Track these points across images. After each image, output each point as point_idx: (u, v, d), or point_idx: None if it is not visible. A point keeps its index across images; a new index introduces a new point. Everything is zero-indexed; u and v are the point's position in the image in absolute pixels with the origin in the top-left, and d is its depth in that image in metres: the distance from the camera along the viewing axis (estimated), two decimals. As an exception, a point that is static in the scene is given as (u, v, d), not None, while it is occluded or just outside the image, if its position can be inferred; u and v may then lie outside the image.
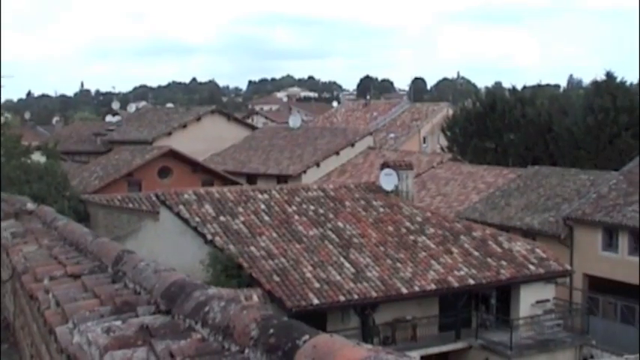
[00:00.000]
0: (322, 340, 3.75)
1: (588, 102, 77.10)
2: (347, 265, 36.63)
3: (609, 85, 78.24)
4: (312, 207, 41.03)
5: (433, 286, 36.88)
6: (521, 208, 54.73)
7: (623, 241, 48.66)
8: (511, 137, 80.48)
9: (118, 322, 5.37)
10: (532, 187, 57.45)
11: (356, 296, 34.99)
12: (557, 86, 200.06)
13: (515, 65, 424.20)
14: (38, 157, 56.85)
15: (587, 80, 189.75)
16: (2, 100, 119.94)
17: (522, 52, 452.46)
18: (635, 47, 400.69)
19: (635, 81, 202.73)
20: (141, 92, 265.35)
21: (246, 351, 4.30)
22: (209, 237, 36.99)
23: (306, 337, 3.91)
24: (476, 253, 39.62)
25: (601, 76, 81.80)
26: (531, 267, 39.87)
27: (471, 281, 37.76)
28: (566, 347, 39.78)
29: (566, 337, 40.60)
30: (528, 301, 40.21)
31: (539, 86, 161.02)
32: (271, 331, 4.14)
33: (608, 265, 48.92)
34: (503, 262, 39.47)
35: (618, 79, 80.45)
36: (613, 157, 70.99)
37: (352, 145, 75.99)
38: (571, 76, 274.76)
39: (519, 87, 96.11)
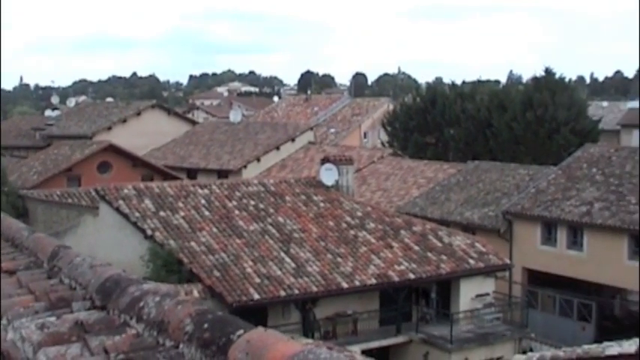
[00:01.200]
0: (256, 335, 3.75)
1: (528, 97, 77.66)
2: (287, 260, 36.60)
3: (548, 81, 78.93)
4: (252, 202, 40.94)
5: (374, 281, 36.95)
6: (461, 203, 55.07)
7: (562, 235, 49.18)
8: (451, 132, 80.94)
9: (53, 319, 5.32)
10: (472, 181, 57.83)
11: (297, 291, 34.96)
12: (498, 82, 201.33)
13: (456, 61, 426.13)
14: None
15: (526, 76, 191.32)
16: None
17: (463, 48, 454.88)
18: (573, 44, 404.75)
19: (574, 77, 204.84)
20: (81, 86, 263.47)
21: (181, 346, 4.27)
22: (149, 232, 36.77)
23: (241, 331, 3.89)
24: (416, 248, 39.76)
25: (540, 72, 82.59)
26: (471, 261, 40.10)
27: (412, 275, 37.89)
28: (505, 340, 40.07)
29: (505, 330, 40.88)
30: (468, 295, 40.45)
31: (479, 82, 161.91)
32: (206, 326, 4.12)
33: (547, 259, 49.42)
34: (444, 257, 39.66)
35: (557, 75, 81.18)
36: (552, 152, 71.71)
37: (293, 140, 76.03)
38: (511, 72, 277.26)
39: (459, 82, 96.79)
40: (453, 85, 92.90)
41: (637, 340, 10.89)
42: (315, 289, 35.45)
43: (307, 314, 36.48)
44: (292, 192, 42.74)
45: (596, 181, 50.79)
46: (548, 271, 49.60)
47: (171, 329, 4.42)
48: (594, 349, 10.94)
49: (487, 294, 41.20)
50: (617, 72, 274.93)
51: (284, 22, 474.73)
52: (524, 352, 37.68)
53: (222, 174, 69.26)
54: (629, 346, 10.05)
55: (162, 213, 38.27)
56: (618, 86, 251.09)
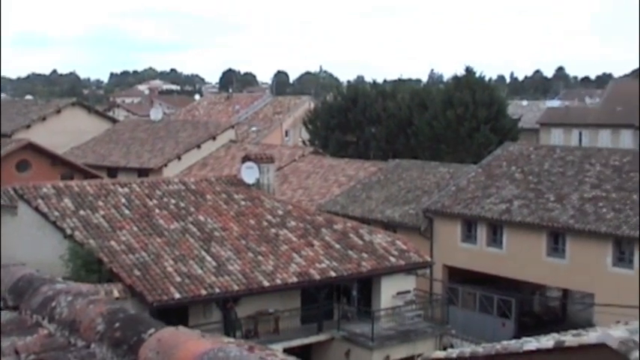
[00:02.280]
0: (167, 334, 3.69)
1: (448, 96, 78.35)
2: (208, 258, 36.42)
3: (469, 80, 79.73)
4: (173, 200, 40.69)
5: (295, 279, 36.94)
6: (382, 201, 55.32)
7: (482, 233, 49.67)
8: (372, 131, 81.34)
9: (-36, 320, 5.20)
10: (393, 180, 58.12)
11: (218, 290, 34.80)
12: (419, 81, 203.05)
13: (378, 60, 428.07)
14: None
15: (447, 75, 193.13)
16: None
17: (385, 47, 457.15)
18: (493, 45, 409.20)
19: (494, 76, 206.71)
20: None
21: (92, 346, 4.20)
22: (68, 231, 36.33)
23: (152, 330, 3.84)
24: (337, 246, 39.83)
25: (461, 72, 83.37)
26: (392, 259, 40.28)
27: (333, 274, 37.94)
28: (426, 337, 40.31)
29: (426, 327, 41.12)
30: (389, 292, 40.61)
31: (400, 81, 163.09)
32: (117, 325, 4.06)
33: (467, 256, 49.88)
34: (365, 255, 39.77)
35: (477, 75, 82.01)
36: (472, 151, 72.45)
37: (214, 138, 75.75)
38: (432, 71, 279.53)
39: (381, 81, 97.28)
40: (374, 83, 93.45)
41: (555, 335, 11.03)
42: (236, 287, 35.33)
43: (229, 313, 36.34)
44: (213, 190, 42.55)
45: (515, 179, 51.37)
46: (468, 268, 50.04)
47: (82, 329, 4.35)
48: (513, 344, 11.06)
49: (408, 291, 41.40)
50: (537, 71, 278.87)
51: (205, 20, 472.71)
52: (444, 349, 38.02)
53: (143, 172, 68.72)
54: (546, 342, 10.17)
55: (81, 212, 37.84)
56: (538, 86, 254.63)
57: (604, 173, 48.96)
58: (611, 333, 9.12)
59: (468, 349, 12.08)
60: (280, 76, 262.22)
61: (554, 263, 46.47)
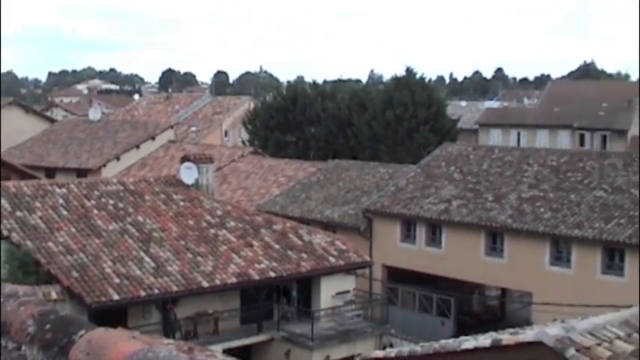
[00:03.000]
0: (97, 335, 3.65)
1: (388, 97, 78.60)
2: (147, 259, 36.20)
3: (408, 81, 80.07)
4: (111, 201, 40.36)
5: (234, 280, 36.83)
6: (322, 201, 55.39)
7: (421, 233, 49.91)
8: (312, 131, 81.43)
9: None
10: (332, 180, 58.23)
11: (157, 291, 34.61)
12: (359, 81, 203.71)
13: (318, 60, 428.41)
14: None
15: (387, 76, 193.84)
16: None
17: (325, 47, 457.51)
18: (433, 46, 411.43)
19: (434, 77, 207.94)
20: None
21: (23, 348, 4.14)
22: (5, 233, 35.87)
23: (82, 331, 3.79)
24: (276, 246, 39.78)
25: (401, 72, 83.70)
26: (331, 259, 40.31)
27: (272, 274, 37.89)
28: (366, 337, 40.41)
29: (366, 327, 41.23)
30: (329, 292, 40.64)
31: (340, 81, 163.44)
32: (48, 326, 4.00)
33: (407, 256, 50.08)
34: (304, 255, 39.77)
35: (417, 75, 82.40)
36: (412, 151, 72.80)
37: (153, 138, 75.41)
38: (372, 71, 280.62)
39: (321, 82, 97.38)
40: (314, 84, 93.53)
41: (493, 334, 11.10)
42: (175, 288, 35.15)
43: (168, 314, 36.16)
44: (152, 191, 42.30)
45: (454, 180, 51.70)
46: (407, 268, 50.24)
47: (13, 331, 4.28)
48: (451, 343, 11.12)
49: (347, 291, 41.46)
50: (476, 72, 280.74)
51: (145, 19, 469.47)
52: (384, 348, 38.18)
53: (81, 173, 68.24)
54: (484, 340, 10.24)
55: (18, 213, 37.39)
56: (477, 86, 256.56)
57: (542, 173, 49.46)
58: (547, 331, 9.21)
59: (406, 348, 12.14)
60: (220, 76, 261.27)
61: (492, 263, 46.84)
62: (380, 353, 12.65)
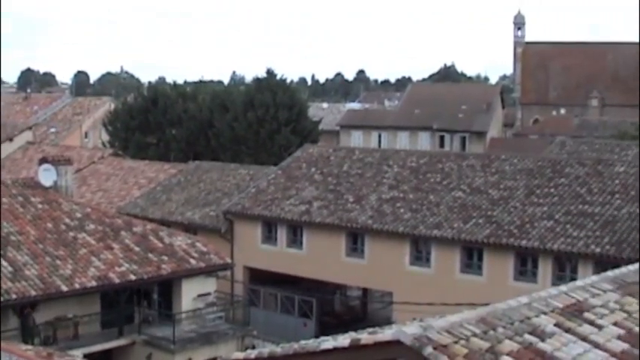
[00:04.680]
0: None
1: (249, 98, 78.67)
2: (4, 263, 35.31)
3: (270, 82, 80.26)
4: (-34, 204, 39.33)
5: (94, 283, 36.24)
6: (183, 203, 55.06)
7: (282, 234, 50.00)
8: (173, 132, 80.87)
9: None
10: (193, 182, 57.97)
11: (14, 296, 33.80)
12: (221, 82, 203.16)
13: (180, 61, 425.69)
14: None
15: (249, 77, 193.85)
16: None
17: (187, 48, 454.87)
18: (295, 47, 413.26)
19: (296, 78, 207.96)
20: None
21: None
22: None
23: None
24: (137, 249, 39.32)
25: (262, 73, 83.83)
26: (192, 261, 40.04)
27: (133, 277, 37.42)
28: (228, 339, 40.25)
29: (228, 329, 41.08)
30: (190, 294, 40.36)
31: (201, 82, 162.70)
32: None
33: (268, 258, 50.12)
34: (165, 257, 39.40)
35: (279, 77, 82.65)
36: (273, 152, 73.05)
37: (11, 139, 73.81)
38: (234, 72, 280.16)
39: (182, 82, 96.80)
40: (175, 85, 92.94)
41: (353, 333, 11.14)
42: (33, 293, 34.40)
43: (26, 319, 35.37)
44: (9, 193, 41.31)
45: (315, 181, 51.95)
46: (269, 270, 50.31)
47: None
48: (311, 344, 11.11)
49: (209, 293, 41.26)
50: (338, 74, 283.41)
51: (3, 17, 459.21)
52: (246, 350, 38.11)
53: None
54: (343, 340, 10.26)
55: None
56: (338, 88, 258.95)
57: (401, 174, 50.08)
58: (405, 330, 9.27)
59: (266, 349, 12.10)
60: (80, 77, 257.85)
61: (353, 263, 47.21)
62: (240, 355, 12.58)
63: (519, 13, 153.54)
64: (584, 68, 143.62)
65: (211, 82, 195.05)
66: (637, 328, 11.79)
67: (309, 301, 49.53)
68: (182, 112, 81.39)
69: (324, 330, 43.62)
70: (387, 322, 38.51)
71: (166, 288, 40.66)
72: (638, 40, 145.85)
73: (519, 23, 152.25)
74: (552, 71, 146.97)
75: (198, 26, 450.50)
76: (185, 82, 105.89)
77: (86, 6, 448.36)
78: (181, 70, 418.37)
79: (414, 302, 38.77)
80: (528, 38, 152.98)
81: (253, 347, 40.47)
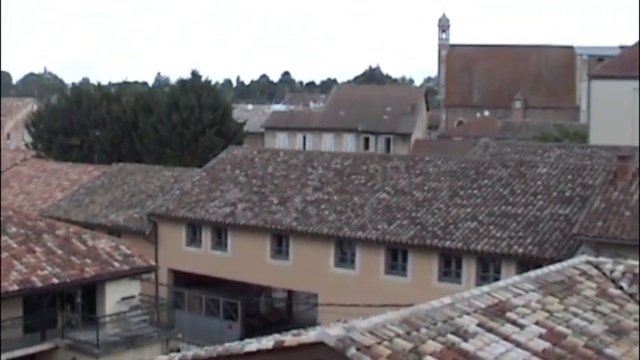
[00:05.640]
0: None
1: (174, 100, 78.27)
2: None
3: (194, 84, 79.95)
4: None
5: (16, 287, 35.72)
6: (106, 205, 54.62)
7: (206, 236, 49.83)
8: (97, 134, 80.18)
9: None
10: (117, 184, 57.55)
11: None
12: (145, 84, 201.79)
13: (103, 62, 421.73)
14: None
15: (174, 78, 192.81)
16: None
17: (111, 49, 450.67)
18: (220, 49, 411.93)
19: (221, 80, 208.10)
20: None
21: None
22: None
23: None
24: (60, 252, 38.86)
25: (187, 75, 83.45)
26: (116, 264, 39.72)
27: (55, 280, 36.98)
28: (153, 342, 40.01)
29: (152, 332, 40.82)
30: (114, 298, 40.01)
31: (125, 83, 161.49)
32: None
33: (193, 260, 49.91)
34: (88, 260, 39.01)
35: (204, 78, 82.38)
36: (198, 154, 72.84)
37: None
38: (159, 73, 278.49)
39: (106, 84, 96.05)
40: (99, 86, 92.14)
41: (277, 335, 11.12)
42: (-47, 297, 33.90)
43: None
44: None
45: (239, 183, 51.86)
46: (194, 272, 50.12)
47: None
48: (234, 346, 11.08)
49: (133, 296, 40.95)
50: (263, 76, 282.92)
51: None
52: (171, 353, 37.86)
53: None
54: (267, 342, 10.24)
55: None
56: (264, 90, 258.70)
57: (326, 176, 50.20)
58: (328, 331, 9.29)
59: (190, 352, 12.04)
60: (3, 77, 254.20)
61: (278, 265, 47.22)
62: (164, 358, 12.52)
63: (444, 15, 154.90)
64: (508, 71, 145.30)
65: (136, 83, 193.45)
66: (558, 327, 11.98)
67: (234, 303, 49.40)
68: (106, 113, 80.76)
69: (249, 332, 43.53)
70: (313, 323, 38.59)
71: (90, 291, 40.25)
72: (567, 44, 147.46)
73: (444, 26, 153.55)
74: (476, 74, 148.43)
75: (123, 26, 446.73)
76: (109, 83, 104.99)
77: (8, 5, 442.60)
78: (105, 71, 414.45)
79: (338, 304, 38.83)
80: (453, 41, 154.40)
81: (178, 350, 40.24)
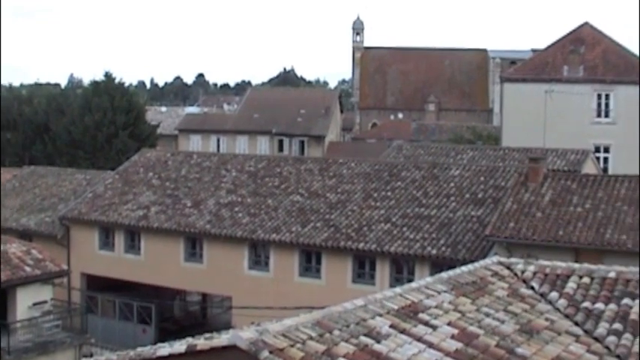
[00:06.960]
0: None
1: (87, 102, 77.65)
2: None
3: (108, 86, 79.36)
4: None
5: None
6: (17, 209, 53.89)
7: (119, 240, 49.45)
8: (8, 136, 79.13)
9: None
10: (28, 187, 56.81)
11: None
12: (58, 85, 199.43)
13: (16, 63, 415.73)
14: None
15: (87, 80, 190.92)
16: None
17: (22, 49, 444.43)
18: (134, 50, 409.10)
19: (135, 82, 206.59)
20: None
21: None
22: None
23: None
24: (-31, 257, 38.24)
25: (100, 77, 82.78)
26: (27, 269, 39.12)
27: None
28: (65, 348, 39.50)
29: (65, 337, 40.28)
30: (25, 303, 39.40)
31: (37, 85, 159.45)
32: None
33: (106, 264, 49.49)
34: (-2, 265, 38.45)
35: (117, 80, 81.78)
36: (111, 157, 72.26)
37: None
38: (72, 75, 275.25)
39: (17, 85, 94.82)
40: (11, 87, 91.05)
41: (190, 339, 11.07)
42: None
43: None
44: None
45: (152, 185, 51.55)
46: (107, 276, 49.66)
47: None
48: (147, 351, 11.02)
49: (45, 302, 40.39)
50: (177, 78, 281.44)
51: None
52: (84, 358, 37.60)
53: None
54: (180, 346, 10.18)
55: None
56: (178, 92, 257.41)
57: (240, 179, 50.13)
58: (241, 334, 9.27)
59: (102, 357, 11.94)
60: None
61: (192, 268, 47.03)
62: (76, 363, 12.40)
63: (358, 18, 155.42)
64: (422, 73, 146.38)
65: (48, 84, 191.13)
66: (470, 328, 12.12)
67: (148, 307, 49.04)
68: (17, 115, 79.75)
69: (163, 336, 43.22)
70: (227, 326, 38.42)
71: (0, 297, 39.65)
72: (474, 47, 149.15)
73: (358, 28, 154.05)
74: (390, 76, 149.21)
75: (35, 26, 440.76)
76: (21, 84, 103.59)
77: None
78: (17, 72, 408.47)
79: (252, 306, 38.78)
80: (367, 43, 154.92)
81: (91, 355, 39.96)
